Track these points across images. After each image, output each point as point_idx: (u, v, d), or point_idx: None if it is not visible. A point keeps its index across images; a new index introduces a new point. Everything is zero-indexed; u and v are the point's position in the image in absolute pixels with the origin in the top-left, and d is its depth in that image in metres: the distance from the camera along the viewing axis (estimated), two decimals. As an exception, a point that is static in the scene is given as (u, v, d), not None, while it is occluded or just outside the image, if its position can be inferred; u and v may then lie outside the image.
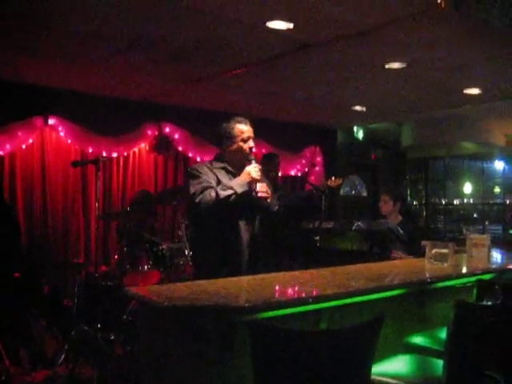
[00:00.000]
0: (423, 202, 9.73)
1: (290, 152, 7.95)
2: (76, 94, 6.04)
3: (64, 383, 4.30)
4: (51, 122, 6.02)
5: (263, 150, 7.43)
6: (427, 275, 3.16)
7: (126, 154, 6.65)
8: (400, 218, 5.13)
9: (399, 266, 3.59)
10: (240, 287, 2.62)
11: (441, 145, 8.74)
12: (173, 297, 2.31)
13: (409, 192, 9.66)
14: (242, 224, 3.47)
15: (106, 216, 6.01)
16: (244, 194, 3.38)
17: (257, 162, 3.53)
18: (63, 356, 4.61)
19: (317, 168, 8.51)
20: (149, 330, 2.61)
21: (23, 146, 5.89)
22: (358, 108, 7.06)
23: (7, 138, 5.66)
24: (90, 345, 4.53)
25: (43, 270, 5.82)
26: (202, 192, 3.31)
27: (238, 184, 3.38)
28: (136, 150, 6.78)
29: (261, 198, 3.44)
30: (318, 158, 8.53)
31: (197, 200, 3.30)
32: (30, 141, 5.95)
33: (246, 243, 3.47)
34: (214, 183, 3.40)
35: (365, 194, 9.06)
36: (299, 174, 8.32)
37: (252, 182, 3.42)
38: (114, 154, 6.49)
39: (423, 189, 9.77)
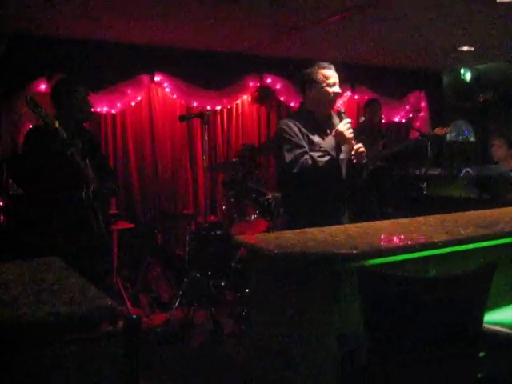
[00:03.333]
0: (538, 145, 9.17)
1: (394, 98, 7.73)
2: (178, 50, 6.17)
3: (180, 325, 4.57)
4: (157, 78, 6.21)
5: (366, 97, 7.28)
6: (543, 222, 3.03)
7: (229, 106, 6.76)
8: (514, 163, 4.91)
9: (511, 213, 3.46)
10: (347, 234, 2.64)
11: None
12: (282, 244, 2.38)
13: (521, 136, 9.13)
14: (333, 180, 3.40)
15: (212, 168, 6.19)
16: (338, 156, 3.35)
17: (346, 116, 3.39)
18: (178, 301, 4.90)
19: (422, 114, 8.21)
20: (258, 276, 2.71)
21: (132, 103, 6.13)
22: (465, 48, 6.69)
23: (118, 97, 5.91)
24: (202, 291, 4.76)
25: (156, 221, 6.15)
26: (297, 160, 3.23)
27: (332, 146, 3.31)
28: (239, 102, 6.86)
29: (357, 159, 3.35)
30: (423, 104, 8.22)
31: (295, 170, 3.23)
32: (139, 98, 6.17)
33: (337, 197, 3.43)
34: (306, 145, 3.31)
35: (472, 139, 8.69)
36: (403, 121, 8.10)
37: (347, 142, 3.33)
38: (218, 107, 6.61)
39: (538, 132, 9.18)
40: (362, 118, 5.86)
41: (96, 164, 3.74)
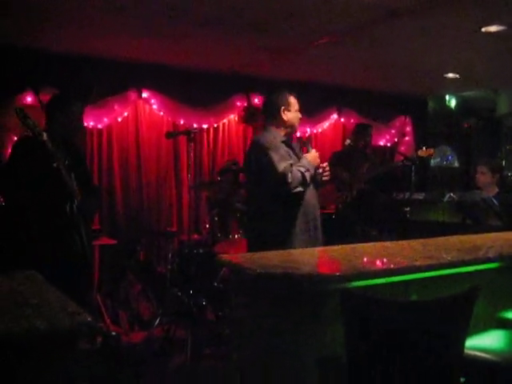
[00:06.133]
0: (520, 173, 9.28)
1: (380, 122, 7.80)
2: (167, 67, 6.18)
3: (160, 344, 4.52)
4: (144, 95, 6.20)
5: (352, 120, 7.34)
6: (524, 248, 3.06)
7: (215, 125, 6.77)
8: (497, 189, 4.95)
9: (494, 239, 3.48)
10: (330, 256, 2.64)
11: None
12: (265, 264, 2.37)
13: (504, 163, 9.24)
14: (310, 197, 3.58)
15: (197, 186, 6.16)
16: (314, 175, 3.58)
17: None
18: (158, 319, 4.85)
19: (407, 138, 8.29)
20: (240, 295, 2.70)
21: (119, 119, 6.12)
22: (450, 75, 6.79)
23: (105, 112, 5.89)
24: (182, 309, 4.72)
25: (138, 238, 6.10)
26: (290, 170, 3.38)
27: (311, 166, 3.53)
28: (226, 121, 6.88)
29: (323, 178, 3.66)
30: (408, 128, 8.31)
31: (289, 179, 3.35)
32: (126, 114, 6.16)
33: (315, 215, 3.61)
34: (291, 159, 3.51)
35: (456, 164, 8.79)
36: (389, 145, 8.17)
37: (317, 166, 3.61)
38: (205, 126, 6.62)
39: (520, 159, 9.30)
40: (348, 141, 5.89)
41: (80, 179, 3.71)
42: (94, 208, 4.00)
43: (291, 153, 3.60)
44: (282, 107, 3.62)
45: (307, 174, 3.44)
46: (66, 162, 3.53)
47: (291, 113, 3.64)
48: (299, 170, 3.41)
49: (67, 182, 3.51)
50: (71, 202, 3.55)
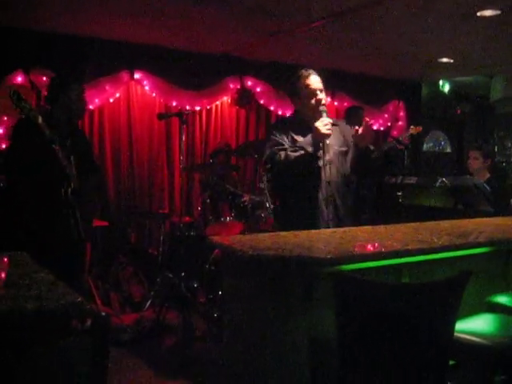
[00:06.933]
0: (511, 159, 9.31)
1: (373, 106, 7.77)
2: (160, 48, 6.12)
3: (151, 326, 4.53)
4: (137, 76, 6.13)
5: (345, 104, 7.31)
6: (515, 234, 3.07)
7: (208, 107, 6.72)
8: (488, 175, 4.97)
9: (485, 224, 3.50)
10: (322, 239, 2.64)
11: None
12: (257, 247, 2.37)
13: (497, 149, 9.27)
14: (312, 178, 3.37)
15: (189, 168, 6.14)
16: (317, 151, 3.27)
17: (328, 116, 3.35)
18: (150, 301, 4.85)
19: (400, 123, 8.28)
20: (232, 278, 2.70)
21: (111, 100, 6.05)
22: (444, 60, 6.77)
23: (96, 92, 5.81)
24: (174, 292, 4.72)
25: (130, 220, 6.08)
26: (272, 156, 3.30)
27: (308, 143, 3.27)
28: (218, 103, 6.83)
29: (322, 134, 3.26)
30: (401, 113, 8.29)
31: (268, 164, 3.43)
32: (117, 95, 6.10)
33: (325, 196, 3.39)
34: (287, 143, 3.33)
35: (449, 150, 8.81)
36: (382, 129, 8.15)
37: (324, 138, 3.26)
38: (197, 108, 6.57)
39: (512, 146, 9.33)
40: (341, 125, 5.87)
41: (83, 163, 3.70)
42: (94, 191, 3.99)
43: (306, 134, 3.35)
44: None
45: (299, 153, 3.22)
46: (67, 146, 3.52)
47: (302, 100, 3.40)
48: (285, 152, 3.24)
49: (64, 166, 3.48)
50: (67, 186, 3.52)
